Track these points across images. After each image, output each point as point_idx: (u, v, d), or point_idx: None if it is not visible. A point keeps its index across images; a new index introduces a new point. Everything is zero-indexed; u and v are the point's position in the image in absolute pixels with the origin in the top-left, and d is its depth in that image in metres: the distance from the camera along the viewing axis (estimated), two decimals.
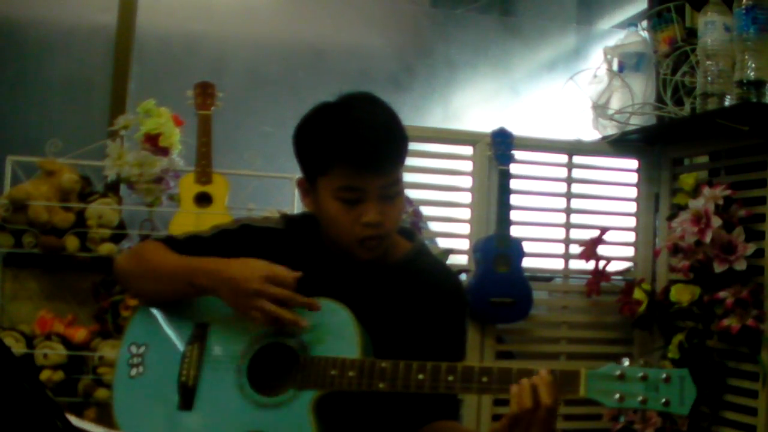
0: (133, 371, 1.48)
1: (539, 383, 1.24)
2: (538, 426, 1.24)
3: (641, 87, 2.60)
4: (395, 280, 1.51)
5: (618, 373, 1.23)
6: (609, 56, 2.70)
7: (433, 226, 2.68)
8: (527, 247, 2.60)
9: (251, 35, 3.00)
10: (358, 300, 1.41)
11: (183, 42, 2.93)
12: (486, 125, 2.71)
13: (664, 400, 1.20)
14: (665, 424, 2.42)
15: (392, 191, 1.43)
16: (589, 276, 2.67)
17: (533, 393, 1.24)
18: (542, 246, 2.75)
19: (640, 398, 1.21)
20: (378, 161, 1.39)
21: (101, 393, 2.36)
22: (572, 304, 2.76)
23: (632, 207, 2.79)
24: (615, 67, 2.69)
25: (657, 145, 2.74)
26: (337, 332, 1.37)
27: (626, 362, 1.24)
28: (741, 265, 2.21)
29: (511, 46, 3.25)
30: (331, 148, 1.39)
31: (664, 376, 1.21)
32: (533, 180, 2.73)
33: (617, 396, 1.22)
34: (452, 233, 2.71)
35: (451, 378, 1.30)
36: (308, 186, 1.48)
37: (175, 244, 1.51)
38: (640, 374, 1.22)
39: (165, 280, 1.46)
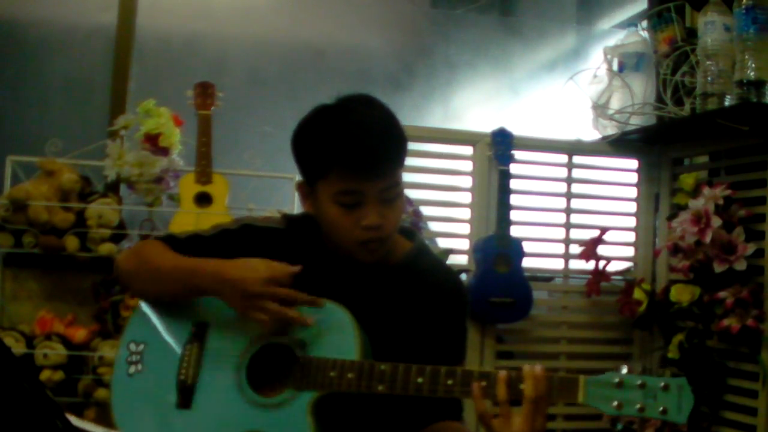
0: (132, 369, 1.47)
1: (525, 376, 1.25)
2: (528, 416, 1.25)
3: (641, 87, 2.60)
4: (396, 280, 1.50)
5: (616, 380, 1.22)
6: (609, 56, 2.70)
7: (433, 226, 2.68)
8: (527, 247, 2.60)
9: (251, 35, 3.00)
10: (358, 300, 1.41)
11: (183, 42, 2.93)
12: (486, 125, 2.71)
13: (661, 408, 1.20)
14: (664, 424, 2.42)
15: (392, 193, 1.42)
16: (589, 276, 2.67)
17: (510, 387, 1.25)
18: (542, 246, 2.75)
19: (638, 406, 1.21)
20: (376, 165, 1.38)
21: (101, 393, 2.36)
22: (572, 304, 2.76)
23: (632, 207, 2.79)
24: (615, 67, 2.69)
25: (657, 145, 2.74)
26: (336, 333, 1.37)
27: (624, 369, 1.24)
28: (741, 265, 2.22)
29: (511, 46, 3.25)
30: (329, 152, 1.38)
31: (662, 384, 1.20)
32: (533, 180, 2.73)
33: (615, 403, 1.22)
34: (452, 233, 2.70)
35: (450, 382, 1.30)
36: (308, 189, 1.48)
37: (176, 243, 1.51)
38: (639, 382, 1.21)
39: (165, 280, 1.45)
